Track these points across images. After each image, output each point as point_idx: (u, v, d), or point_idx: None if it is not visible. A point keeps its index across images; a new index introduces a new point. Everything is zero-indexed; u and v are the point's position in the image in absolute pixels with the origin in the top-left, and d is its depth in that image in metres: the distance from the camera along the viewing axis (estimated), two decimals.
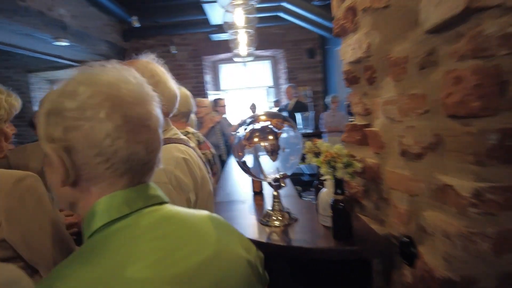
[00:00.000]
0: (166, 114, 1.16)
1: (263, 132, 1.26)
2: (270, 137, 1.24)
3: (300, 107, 5.52)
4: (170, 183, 0.99)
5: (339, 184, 1.06)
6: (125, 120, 0.57)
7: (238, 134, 1.30)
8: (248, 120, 1.31)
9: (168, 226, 0.60)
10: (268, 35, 6.31)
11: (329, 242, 1.09)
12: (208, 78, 6.81)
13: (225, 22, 3.10)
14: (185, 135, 1.74)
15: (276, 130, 1.26)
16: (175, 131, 1.18)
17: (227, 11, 2.52)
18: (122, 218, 0.58)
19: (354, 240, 1.07)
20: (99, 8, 5.24)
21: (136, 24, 5.42)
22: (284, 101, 5.79)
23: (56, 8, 4.35)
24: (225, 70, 7.17)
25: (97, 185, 0.59)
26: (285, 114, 5.55)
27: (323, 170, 1.07)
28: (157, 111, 0.63)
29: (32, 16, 3.89)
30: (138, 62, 1.11)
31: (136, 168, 0.60)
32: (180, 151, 1.08)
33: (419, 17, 0.84)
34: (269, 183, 1.31)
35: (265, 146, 1.23)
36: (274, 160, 1.23)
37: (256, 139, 1.25)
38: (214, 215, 0.71)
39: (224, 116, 4.16)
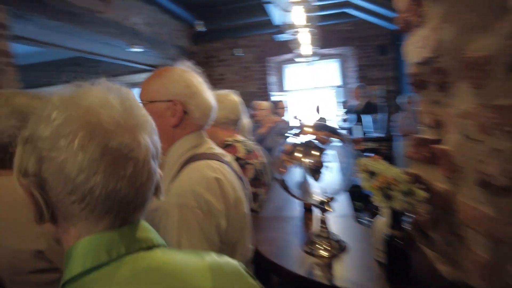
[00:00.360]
0: (200, 127, 1.07)
1: (307, 147, 1.10)
2: (315, 152, 1.08)
3: (370, 108, 5.14)
4: (200, 208, 0.89)
5: (396, 217, 0.86)
6: (103, 152, 0.47)
7: (279, 146, 1.15)
8: (291, 131, 1.16)
9: (150, 280, 0.49)
10: (336, 33, 6.00)
11: (381, 285, 0.90)
12: (272, 79, 6.74)
13: (285, 22, 2.96)
14: (232, 143, 1.65)
15: (321, 145, 1.09)
16: (210, 145, 1.08)
17: (284, 11, 2.38)
18: (99, 267, 0.48)
19: (412, 286, 0.86)
20: (170, 15, 5.48)
21: (201, 29, 5.56)
22: (352, 102, 5.44)
23: (131, 17, 4.64)
24: (290, 70, 7.02)
25: (76, 225, 0.50)
26: (352, 116, 5.21)
27: (376, 198, 0.87)
28: (148, 140, 0.52)
29: (110, 26, 4.19)
30: (172, 70, 1.04)
31: (119, 208, 0.50)
32: (212, 170, 0.97)
33: (509, 1, 0.61)
34: (314, 206, 1.14)
35: (307, 163, 1.07)
36: (316, 179, 1.06)
37: (298, 154, 1.09)
38: (222, 262, 0.57)
39: (283, 118, 4.02)
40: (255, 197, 1.67)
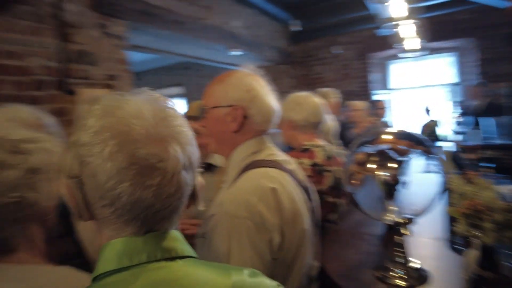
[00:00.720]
0: (261, 132, 1.02)
1: (383, 157, 0.95)
2: (392, 164, 0.92)
3: (493, 109, 4.38)
4: (251, 219, 0.84)
5: (488, 254, 0.66)
6: (131, 161, 0.48)
7: (349, 155, 1.03)
8: (367, 138, 1.02)
9: None
10: (451, 23, 5.26)
11: None
12: (374, 76, 6.29)
13: (386, 15, 2.70)
14: (310, 147, 1.56)
15: (401, 156, 0.92)
16: (271, 151, 1.02)
17: (381, 2, 2.17)
18: (119, 271, 0.48)
19: None
20: (268, 16, 5.58)
21: (296, 28, 5.50)
22: (470, 102, 4.70)
23: (231, 21, 4.87)
24: (395, 67, 6.45)
25: (107, 227, 0.52)
26: (469, 118, 4.51)
27: (459, 227, 0.69)
28: (179, 151, 0.51)
29: (211, 32, 4.47)
30: (233, 75, 1.02)
31: (145, 216, 0.50)
32: (269, 178, 0.91)
33: None
34: (389, 227, 0.98)
35: (381, 177, 0.92)
36: (392, 196, 0.91)
37: (372, 166, 0.95)
38: (250, 283, 0.52)
39: (382, 120, 3.69)
40: (334, 207, 1.55)
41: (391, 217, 0.95)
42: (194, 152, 0.55)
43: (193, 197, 0.59)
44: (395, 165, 0.91)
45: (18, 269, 0.66)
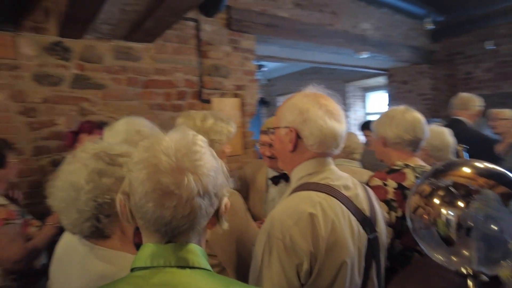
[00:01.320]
0: (321, 154, 1.01)
1: (452, 193, 0.83)
2: (460, 203, 0.81)
3: None
4: (283, 241, 0.86)
5: None
6: (156, 187, 0.61)
7: (416, 184, 0.93)
8: (441, 167, 0.91)
9: None
10: None
11: None
12: None
13: None
14: (401, 168, 1.43)
15: (475, 196, 0.80)
16: (328, 175, 1.00)
17: None
18: (142, 269, 0.63)
19: None
20: (404, 14, 5.14)
21: (429, 26, 4.88)
22: None
23: (359, 24, 4.71)
24: None
25: (143, 234, 0.67)
26: None
27: None
28: (192, 181, 0.62)
29: (337, 37, 4.43)
30: (294, 97, 1.06)
31: (165, 230, 0.63)
32: (311, 203, 0.91)
33: None
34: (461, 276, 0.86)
35: (445, 215, 0.82)
36: (451, 243, 0.79)
37: (437, 201, 0.85)
38: None
39: None
40: None
41: (462, 267, 0.83)
42: (210, 182, 0.65)
43: (218, 217, 0.69)
44: (464, 204, 0.80)
45: (110, 253, 0.88)
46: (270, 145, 1.70)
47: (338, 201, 0.95)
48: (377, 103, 7.36)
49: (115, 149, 0.93)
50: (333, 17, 4.42)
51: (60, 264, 1.11)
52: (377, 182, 1.40)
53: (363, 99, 7.62)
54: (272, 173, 1.83)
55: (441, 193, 0.85)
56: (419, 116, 1.48)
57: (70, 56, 2.71)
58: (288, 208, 0.93)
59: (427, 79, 5.77)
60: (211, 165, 0.66)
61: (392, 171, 1.43)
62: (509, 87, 5.18)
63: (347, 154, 2.18)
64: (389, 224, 1.31)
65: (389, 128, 1.46)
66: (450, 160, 1.06)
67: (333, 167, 1.04)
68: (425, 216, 0.86)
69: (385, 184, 1.38)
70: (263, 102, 9.06)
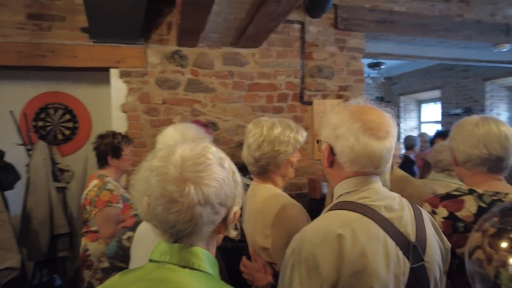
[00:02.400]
0: (360, 173, 0.92)
1: None
2: None
3: None
4: (305, 259, 0.82)
5: None
6: (163, 193, 0.68)
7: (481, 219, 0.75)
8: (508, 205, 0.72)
9: (152, 284, 0.66)
10: None
11: None
12: None
13: None
14: (461, 194, 1.18)
15: None
16: (367, 194, 0.89)
17: None
18: (153, 261, 0.71)
19: None
20: None
21: None
22: None
23: (502, 10, 3.95)
24: None
25: (158, 231, 0.75)
26: None
27: None
28: (193, 191, 0.67)
29: (468, 28, 3.82)
30: (333, 110, 0.98)
31: (171, 231, 0.70)
32: (342, 223, 0.84)
33: None
34: None
35: (510, 267, 0.64)
36: None
37: (505, 245, 0.68)
38: None
39: None
40: None
41: None
42: (216, 191, 0.69)
43: (226, 225, 0.73)
44: None
45: None
46: None
47: (374, 222, 0.85)
48: None
49: None
50: (464, 6, 3.82)
51: (138, 246, 1.30)
52: (427, 208, 1.19)
53: (509, 101, 6.35)
54: None
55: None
56: (500, 128, 1.16)
57: (185, 63, 3.09)
58: (317, 226, 0.89)
59: None
60: (215, 176, 0.70)
61: (448, 197, 1.19)
62: None
63: (442, 169, 1.87)
64: None
65: (456, 143, 1.22)
66: None
67: (377, 185, 0.93)
68: (486, 263, 0.71)
69: (434, 212, 1.16)
70: (382, 101, 8.47)
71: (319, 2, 3.20)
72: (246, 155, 1.39)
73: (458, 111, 6.42)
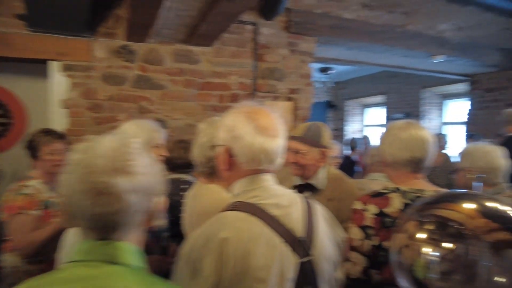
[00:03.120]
0: (254, 171, 0.95)
1: (442, 230, 0.72)
2: (446, 244, 0.69)
3: None
4: (187, 263, 0.85)
5: None
6: (90, 187, 0.66)
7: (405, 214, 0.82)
8: (429, 200, 0.79)
9: (77, 282, 0.64)
10: None
11: None
12: None
13: None
14: (388, 192, 1.28)
15: (468, 237, 0.68)
16: (258, 193, 0.93)
17: None
18: (78, 261, 0.68)
19: None
20: (497, 12, 4.52)
21: None
22: None
23: (437, 25, 4.29)
24: None
25: (82, 231, 0.72)
26: None
27: None
28: (120, 181, 0.66)
29: (409, 39, 4.10)
30: (226, 114, 1.00)
31: (96, 227, 0.68)
32: (226, 225, 0.87)
33: None
34: None
35: (427, 255, 0.70)
36: None
37: (421, 236, 0.74)
38: None
39: None
40: None
41: None
42: (144, 181, 0.69)
43: (151, 215, 0.74)
44: (452, 246, 0.68)
45: None
46: (296, 152, 1.65)
47: (259, 221, 0.88)
48: (457, 112, 6.62)
49: None
50: (405, 18, 4.09)
51: (65, 251, 1.23)
52: (358, 205, 1.28)
53: (440, 107, 6.92)
54: (298, 182, 1.77)
55: (428, 228, 0.74)
56: (420, 133, 1.29)
57: (134, 58, 2.97)
58: (204, 229, 0.90)
59: None
60: (140, 166, 0.70)
61: (377, 195, 1.28)
62: None
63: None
64: (361, 252, 1.21)
65: (384, 146, 1.34)
66: (449, 192, 0.90)
67: (267, 184, 0.97)
68: (406, 252, 0.76)
69: (365, 209, 1.25)
70: (330, 105, 8.81)
71: (272, 4, 3.24)
72: (197, 154, 1.37)
73: (399, 115, 6.87)
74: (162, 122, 3.05)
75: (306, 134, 1.64)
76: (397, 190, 1.27)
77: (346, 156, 5.22)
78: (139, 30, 2.72)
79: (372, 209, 1.25)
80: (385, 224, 1.19)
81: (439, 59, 4.38)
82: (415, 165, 1.28)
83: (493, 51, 4.70)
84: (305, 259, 0.90)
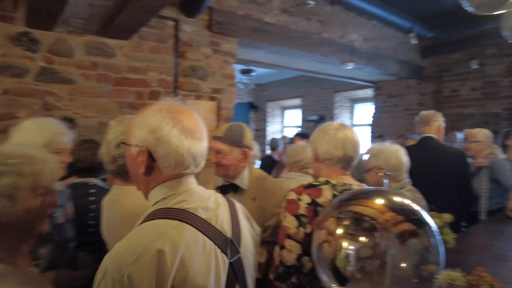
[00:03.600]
0: (178, 175, 0.89)
1: (357, 225, 0.77)
2: (362, 238, 0.74)
3: None
4: (120, 283, 0.72)
5: None
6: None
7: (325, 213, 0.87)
8: (344, 197, 0.85)
9: None
10: None
11: None
12: None
13: None
14: (320, 184, 1.36)
15: (380, 230, 0.74)
16: (184, 197, 0.88)
17: None
18: None
19: None
20: (395, 28, 5.12)
21: (414, 42, 4.84)
22: None
23: (348, 35, 4.68)
24: None
25: None
26: None
27: None
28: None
29: (325, 46, 4.39)
30: (144, 111, 0.90)
31: None
32: (158, 236, 0.78)
33: None
34: None
35: (344, 249, 0.75)
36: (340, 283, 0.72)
37: (340, 231, 0.79)
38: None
39: (504, 156, 2.91)
40: None
41: None
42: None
43: None
44: (366, 239, 0.73)
45: None
46: (218, 152, 1.63)
47: (192, 227, 0.83)
48: (364, 115, 7.33)
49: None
50: (321, 26, 4.37)
51: None
52: (292, 196, 1.35)
53: (351, 110, 7.59)
54: (222, 182, 1.76)
55: (345, 224, 0.79)
56: (353, 134, 1.42)
57: (38, 48, 2.64)
58: (130, 242, 0.79)
59: (414, 94, 5.75)
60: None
61: (310, 186, 1.37)
62: (493, 107, 5.16)
63: (300, 168, 2.11)
64: (296, 240, 1.27)
65: (320, 144, 1.42)
66: (363, 189, 1.00)
67: (192, 186, 0.93)
68: (327, 248, 0.80)
69: (299, 199, 1.33)
70: (252, 106, 9.01)
71: (193, 1, 3.18)
72: (104, 152, 1.27)
73: (314, 117, 7.35)
74: (71, 121, 2.77)
75: (227, 134, 1.63)
76: (327, 182, 1.36)
77: (268, 155, 5.40)
78: (43, 17, 2.43)
79: (306, 199, 1.32)
80: (318, 213, 1.27)
81: (349, 66, 4.78)
82: (346, 162, 1.40)
83: (393, 61, 5.30)
84: (234, 258, 0.90)
